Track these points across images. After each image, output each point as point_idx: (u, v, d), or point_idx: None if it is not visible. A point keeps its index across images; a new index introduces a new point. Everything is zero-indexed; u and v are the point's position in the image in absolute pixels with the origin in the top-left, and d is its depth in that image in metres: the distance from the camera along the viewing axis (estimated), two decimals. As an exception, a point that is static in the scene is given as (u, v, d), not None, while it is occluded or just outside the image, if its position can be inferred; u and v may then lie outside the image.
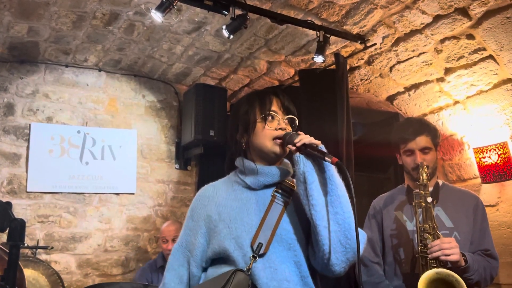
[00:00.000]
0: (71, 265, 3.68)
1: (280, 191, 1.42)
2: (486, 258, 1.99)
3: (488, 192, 2.81)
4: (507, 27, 2.47)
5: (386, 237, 2.15)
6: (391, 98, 3.40)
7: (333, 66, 3.08)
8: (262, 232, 1.33)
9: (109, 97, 4.06)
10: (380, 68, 3.22)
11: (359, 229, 1.39)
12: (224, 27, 2.60)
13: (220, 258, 1.37)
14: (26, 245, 3.36)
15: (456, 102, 2.99)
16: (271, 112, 1.42)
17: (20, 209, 3.56)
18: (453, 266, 1.83)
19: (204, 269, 1.43)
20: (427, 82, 3.07)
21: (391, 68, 3.16)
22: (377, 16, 2.78)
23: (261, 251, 1.30)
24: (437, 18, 2.65)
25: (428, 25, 2.71)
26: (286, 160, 1.49)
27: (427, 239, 1.91)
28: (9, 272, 1.38)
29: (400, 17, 2.73)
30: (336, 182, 1.27)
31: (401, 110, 3.41)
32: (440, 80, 2.98)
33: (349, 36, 2.98)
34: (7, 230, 1.46)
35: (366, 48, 3.03)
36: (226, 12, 2.53)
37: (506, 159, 2.70)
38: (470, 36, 2.64)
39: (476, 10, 2.49)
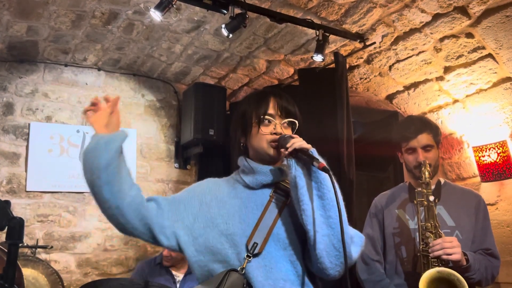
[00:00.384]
0: (71, 265, 3.68)
1: (278, 191, 1.41)
2: (487, 257, 1.99)
3: (487, 191, 2.81)
4: (506, 26, 2.47)
5: (387, 236, 2.15)
6: (390, 97, 3.41)
7: (333, 65, 3.08)
8: (258, 231, 1.32)
9: (108, 97, 4.05)
10: (380, 67, 3.22)
11: (357, 232, 1.39)
12: (223, 26, 2.60)
13: (212, 253, 1.36)
14: (25, 244, 3.37)
15: (456, 101, 2.99)
16: (266, 116, 1.41)
17: (20, 208, 3.56)
18: (455, 265, 1.83)
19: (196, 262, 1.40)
20: (426, 81, 3.07)
21: (390, 67, 3.16)
22: (376, 15, 2.78)
23: (256, 251, 1.30)
24: (436, 17, 2.65)
25: (427, 24, 2.71)
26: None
27: (428, 237, 1.90)
28: (8, 271, 1.38)
29: (400, 15, 2.73)
30: (329, 186, 1.26)
31: (400, 109, 3.41)
32: (440, 79, 2.98)
33: (349, 35, 2.98)
34: (6, 229, 1.46)
35: (365, 47, 3.03)
36: (225, 11, 2.53)
37: (506, 157, 2.70)
38: (470, 35, 2.64)
39: (475, 9, 2.49)
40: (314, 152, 1.29)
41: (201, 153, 4.02)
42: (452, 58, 2.82)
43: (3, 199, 1.51)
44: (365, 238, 1.43)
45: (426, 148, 2.09)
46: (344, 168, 2.81)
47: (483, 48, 2.65)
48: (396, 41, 2.94)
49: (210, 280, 1.29)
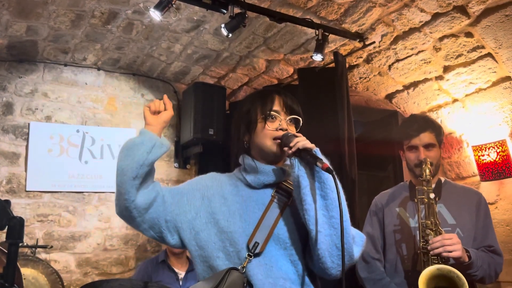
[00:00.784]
0: (71, 264, 3.68)
1: (280, 191, 1.41)
2: (490, 254, 1.99)
3: (487, 190, 2.81)
4: (505, 25, 2.47)
5: (387, 234, 2.16)
6: (390, 96, 3.41)
7: (332, 65, 3.08)
8: (259, 231, 1.32)
9: (108, 96, 4.06)
10: (379, 66, 3.22)
11: (358, 231, 1.39)
12: (222, 25, 2.60)
13: (212, 249, 1.36)
14: (25, 244, 3.37)
15: (455, 100, 2.99)
16: (272, 112, 1.41)
17: (20, 208, 3.56)
18: (457, 262, 1.83)
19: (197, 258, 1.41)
20: (426, 80, 3.08)
21: (390, 66, 3.17)
22: (376, 14, 2.78)
23: (257, 250, 1.30)
24: (435, 16, 2.65)
25: (426, 23, 2.71)
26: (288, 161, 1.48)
27: (429, 235, 1.91)
28: (8, 270, 1.38)
29: (399, 15, 2.73)
30: (332, 186, 1.26)
31: (400, 108, 3.42)
32: (439, 78, 2.99)
33: (348, 35, 2.98)
34: (6, 229, 1.46)
35: (365, 46, 3.03)
36: (224, 11, 2.53)
37: (505, 157, 2.70)
38: (469, 34, 2.65)
39: (475, 8, 2.49)
40: (317, 152, 1.29)
41: (200, 153, 4.03)
42: (451, 57, 2.83)
43: (3, 198, 1.51)
44: (365, 236, 1.43)
45: (428, 146, 2.09)
46: (346, 168, 2.81)
47: (483, 47, 2.65)
48: (395, 40, 2.95)
49: (210, 278, 1.29)
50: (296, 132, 1.43)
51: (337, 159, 2.79)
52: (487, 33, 2.56)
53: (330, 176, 1.24)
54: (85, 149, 3.87)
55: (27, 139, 3.68)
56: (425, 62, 2.97)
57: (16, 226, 1.43)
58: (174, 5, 2.43)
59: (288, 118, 1.43)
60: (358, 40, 3.01)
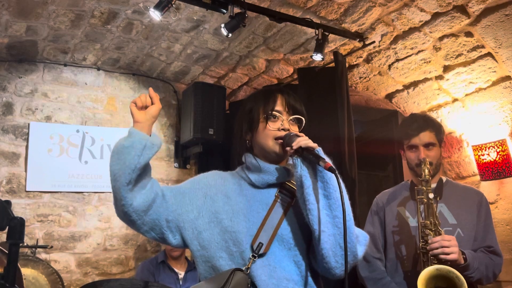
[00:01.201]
0: (71, 264, 3.68)
1: (284, 191, 1.40)
2: (489, 255, 1.99)
3: (487, 190, 2.81)
4: (505, 25, 2.47)
5: (388, 233, 2.16)
6: (390, 96, 3.41)
7: (332, 64, 3.08)
8: (263, 232, 1.32)
9: (107, 96, 4.06)
10: (379, 66, 3.22)
11: (361, 231, 1.39)
12: (222, 25, 2.60)
13: (215, 249, 1.35)
14: (25, 244, 3.37)
15: (455, 100, 3.00)
16: (274, 112, 1.41)
17: (20, 208, 3.56)
18: (453, 264, 1.83)
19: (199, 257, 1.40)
20: (425, 80, 3.08)
21: (389, 66, 3.17)
22: (376, 14, 2.78)
23: (261, 251, 1.29)
24: (435, 16, 2.65)
25: (426, 23, 2.71)
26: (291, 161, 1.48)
27: (428, 235, 1.91)
28: (9, 270, 1.38)
29: (399, 15, 2.73)
30: (335, 185, 1.25)
31: (400, 108, 3.42)
32: (439, 77, 2.99)
33: (348, 34, 2.98)
34: (7, 229, 1.46)
35: (364, 46, 3.03)
36: (224, 11, 2.53)
37: (505, 156, 2.70)
38: (469, 34, 2.65)
39: (475, 8, 2.49)
40: (320, 151, 1.28)
41: (200, 153, 4.03)
42: (451, 57, 2.83)
43: (3, 199, 1.51)
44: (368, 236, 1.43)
45: (428, 146, 2.09)
46: (346, 167, 2.81)
47: (483, 47, 2.65)
48: (395, 40, 2.95)
49: (214, 278, 1.28)
50: (300, 132, 1.42)
51: (337, 158, 2.78)
52: (487, 32, 2.56)
53: (333, 175, 1.23)
54: (85, 149, 3.87)
55: (27, 139, 3.68)
56: (425, 62, 2.97)
57: (16, 227, 1.42)
58: (174, 5, 2.43)
59: (290, 118, 1.42)
60: (358, 39, 3.01)
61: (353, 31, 2.98)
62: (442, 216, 2.04)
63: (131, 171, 1.31)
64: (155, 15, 2.48)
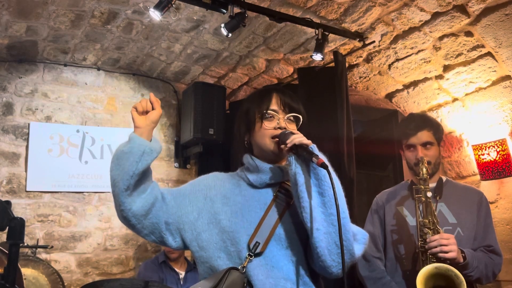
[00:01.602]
0: (71, 264, 3.68)
1: (282, 191, 1.40)
2: (488, 255, 1.99)
3: (487, 189, 2.81)
4: (505, 24, 2.47)
5: (388, 232, 2.16)
6: (390, 96, 3.41)
7: (332, 64, 3.08)
8: (260, 231, 1.32)
9: (108, 96, 4.06)
10: (379, 66, 3.22)
11: (360, 229, 1.39)
12: (222, 25, 2.60)
13: (213, 250, 1.35)
14: (26, 244, 3.37)
15: (455, 99, 3.00)
16: (269, 111, 1.41)
17: (20, 208, 3.56)
18: (451, 263, 1.83)
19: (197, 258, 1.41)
20: (425, 79, 3.08)
21: (389, 66, 3.17)
22: (376, 13, 2.78)
23: (258, 250, 1.29)
24: (435, 16, 2.65)
25: (426, 23, 2.71)
26: None
27: (427, 234, 1.91)
28: (9, 270, 1.38)
29: (399, 14, 2.73)
30: (329, 183, 1.23)
31: (400, 107, 3.42)
32: (439, 77, 2.99)
33: (348, 34, 2.98)
34: (7, 229, 1.46)
35: (364, 45, 3.03)
36: (224, 11, 2.53)
37: (505, 156, 2.70)
38: (469, 33, 2.65)
39: (475, 7, 2.49)
40: (314, 148, 1.27)
41: (200, 153, 4.03)
42: (451, 56, 2.83)
43: (3, 199, 1.51)
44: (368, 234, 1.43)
45: (426, 145, 2.09)
46: (344, 167, 2.81)
47: (483, 46, 2.65)
48: (395, 40, 2.95)
49: (210, 278, 1.29)
50: (298, 129, 1.42)
51: (336, 158, 2.79)
52: (487, 32, 2.56)
53: (326, 172, 1.22)
54: (85, 149, 3.87)
55: (27, 139, 3.69)
56: (425, 61, 2.97)
57: (17, 227, 1.43)
58: (173, 5, 2.43)
59: (287, 116, 1.42)
60: (358, 39, 3.01)
61: (353, 30, 2.98)
62: (442, 216, 2.05)
63: (129, 177, 1.33)
64: (155, 15, 2.48)
